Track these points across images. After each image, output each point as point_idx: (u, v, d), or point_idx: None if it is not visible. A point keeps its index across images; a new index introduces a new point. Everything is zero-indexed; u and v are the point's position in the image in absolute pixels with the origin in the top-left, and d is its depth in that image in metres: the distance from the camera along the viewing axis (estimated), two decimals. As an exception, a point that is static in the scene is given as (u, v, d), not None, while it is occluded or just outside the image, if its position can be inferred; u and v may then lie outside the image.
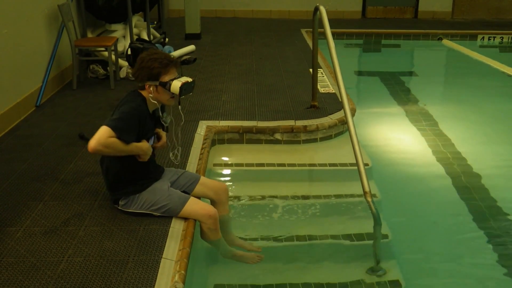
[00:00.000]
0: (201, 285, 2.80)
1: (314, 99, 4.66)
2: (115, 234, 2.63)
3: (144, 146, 2.64)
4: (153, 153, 2.87)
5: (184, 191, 2.89)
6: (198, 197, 2.96)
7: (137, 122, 2.60)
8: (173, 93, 2.64)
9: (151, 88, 2.63)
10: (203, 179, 3.02)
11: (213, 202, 3.00)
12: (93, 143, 2.45)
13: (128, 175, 2.72)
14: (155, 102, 2.67)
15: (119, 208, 2.80)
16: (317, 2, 4.41)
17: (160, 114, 2.80)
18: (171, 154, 3.06)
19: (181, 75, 2.69)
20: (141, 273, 2.33)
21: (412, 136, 4.89)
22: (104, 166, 2.78)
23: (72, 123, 4.31)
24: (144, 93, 2.67)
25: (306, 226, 3.35)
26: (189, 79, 2.67)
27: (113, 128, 2.48)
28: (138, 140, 2.64)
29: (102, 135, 2.46)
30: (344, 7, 10.46)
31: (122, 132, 2.51)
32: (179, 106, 2.75)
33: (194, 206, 2.75)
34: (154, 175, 2.82)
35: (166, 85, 2.62)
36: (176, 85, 2.61)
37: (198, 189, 2.95)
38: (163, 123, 2.83)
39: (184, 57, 6.11)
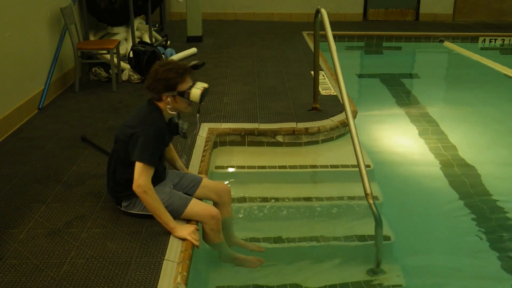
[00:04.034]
0: (203, 286, 2.81)
1: (316, 101, 4.67)
2: (118, 236, 2.64)
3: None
4: (164, 156, 2.87)
5: (186, 193, 2.90)
6: (200, 199, 2.97)
7: (161, 142, 2.64)
8: (190, 101, 2.65)
9: (168, 99, 2.62)
10: (205, 181, 3.02)
11: (215, 204, 3.01)
12: (139, 190, 2.54)
13: None
14: (173, 112, 2.67)
15: (122, 209, 2.81)
16: (318, 4, 4.42)
17: (177, 121, 2.80)
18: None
19: (195, 82, 2.68)
20: (144, 275, 2.33)
21: (413, 138, 4.89)
22: (111, 167, 2.76)
23: (74, 125, 4.32)
24: (160, 104, 2.65)
25: (308, 228, 3.35)
26: (206, 85, 2.67)
27: (144, 161, 2.55)
28: (161, 156, 2.70)
29: (143, 175, 2.54)
30: (345, 10, 10.48)
31: (150, 161, 2.57)
32: (198, 114, 2.82)
33: (196, 207, 2.75)
34: (161, 178, 2.82)
35: (184, 94, 2.61)
36: (195, 93, 2.61)
37: (200, 191, 2.95)
38: (181, 130, 2.82)
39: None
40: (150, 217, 2.75)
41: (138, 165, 2.55)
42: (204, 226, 2.77)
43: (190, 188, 2.93)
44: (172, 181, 2.89)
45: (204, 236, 2.81)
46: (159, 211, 2.59)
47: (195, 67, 5.35)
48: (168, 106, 2.64)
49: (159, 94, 2.62)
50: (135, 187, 2.54)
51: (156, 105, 2.66)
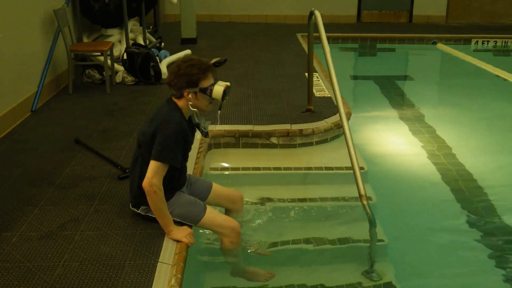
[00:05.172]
0: (197, 289, 2.81)
1: (310, 103, 4.68)
2: (111, 239, 2.63)
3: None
4: (187, 158, 2.79)
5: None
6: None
7: (182, 141, 2.56)
8: (212, 98, 2.59)
9: (190, 96, 2.55)
10: (216, 187, 2.94)
11: (227, 211, 2.99)
12: (150, 189, 2.47)
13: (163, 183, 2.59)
14: (195, 109, 2.60)
15: (138, 211, 2.75)
16: (312, 6, 4.44)
17: (197, 120, 2.74)
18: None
19: (217, 80, 2.62)
20: (138, 277, 2.33)
21: (407, 140, 4.91)
22: (137, 170, 2.67)
23: (68, 127, 4.31)
24: (181, 101, 2.59)
25: (302, 230, 3.35)
26: (228, 83, 2.61)
27: (161, 160, 2.49)
28: (185, 156, 2.64)
29: (157, 175, 2.48)
30: (339, 12, 10.50)
31: (171, 160, 2.52)
32: (219, 111, 2.75)
33: (216, 217, 2.71)
34: (182, 183, 2.77)
35: (206, 91, 2.55)
36: (218, 90, 2.55)
37: (211, 198, 2.90)
38: (203, 129, 2.76)
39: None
40: (147, 219, 2.74)
41: (154, 164, 2.49)
42: (224, 239, 2.72)
43: (201, 196, 2.87)
44: (186, 187, 2.83)
45: (223, 249, 2.77)
46: (163, 213, 2.56)
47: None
48: (190, 103, 2.56)
49: (180, 90, 2.55)
50: (146, 185, 2.47)
51: (176, 104, 2.60)
